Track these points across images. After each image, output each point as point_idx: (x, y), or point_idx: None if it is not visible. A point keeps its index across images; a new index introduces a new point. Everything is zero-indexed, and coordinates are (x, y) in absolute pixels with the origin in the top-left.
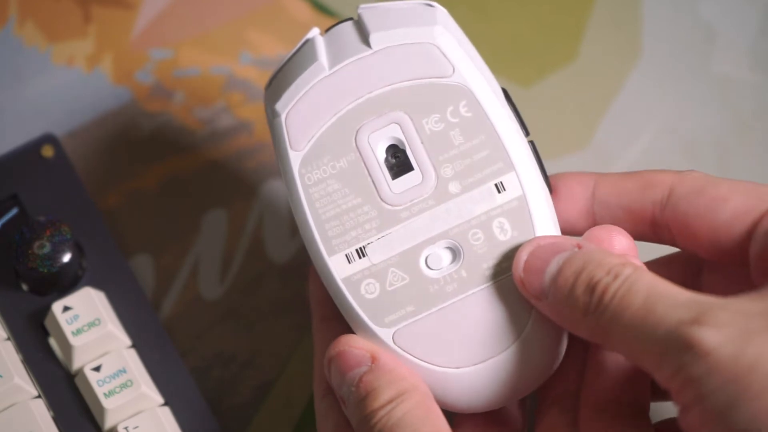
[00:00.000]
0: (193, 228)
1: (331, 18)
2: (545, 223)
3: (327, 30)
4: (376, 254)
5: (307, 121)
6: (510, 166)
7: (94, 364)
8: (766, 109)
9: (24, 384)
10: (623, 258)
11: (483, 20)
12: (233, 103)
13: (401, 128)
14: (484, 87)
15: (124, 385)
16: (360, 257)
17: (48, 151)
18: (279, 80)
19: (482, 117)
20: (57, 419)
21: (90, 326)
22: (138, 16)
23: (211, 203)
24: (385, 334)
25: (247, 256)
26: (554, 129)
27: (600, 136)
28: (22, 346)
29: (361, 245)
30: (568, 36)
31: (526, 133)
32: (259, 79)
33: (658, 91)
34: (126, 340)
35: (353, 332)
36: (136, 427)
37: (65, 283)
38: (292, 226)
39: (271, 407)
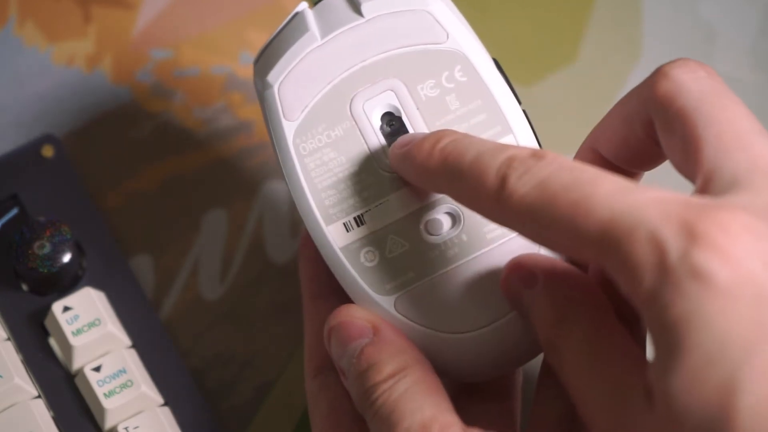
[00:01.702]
0: (193, 228)
1: None
2: None
3: (315, 3)
4: (374, 221)
5: (300, 90)
6: (508, 129)
7: (94, 364)
8: (766, 109)
9: (24, 384)
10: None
11: (483, 20)
12: (233, 103)
13: (396, 95)
14: (480, 52)
15: (124, 385)
16: (358, 225)
17: (48, 151)
18: (269, 53)
19: (478, 81)
20: (57, 419)
21: (90, 326)
22: (138, 16)
23: (211, 203)
24: (386, 301)
25: (247, 256)
26: (554, 129)
27: None
28: (22, 346)
29: (359, 213)
30: (568, 36)
31: (519, 102)
32: None
33: None
34: (126, 340)
35: (343, 305)
36: (136, 427)
37: (65, 283)
38: (292, 226)
39: (271, 407)
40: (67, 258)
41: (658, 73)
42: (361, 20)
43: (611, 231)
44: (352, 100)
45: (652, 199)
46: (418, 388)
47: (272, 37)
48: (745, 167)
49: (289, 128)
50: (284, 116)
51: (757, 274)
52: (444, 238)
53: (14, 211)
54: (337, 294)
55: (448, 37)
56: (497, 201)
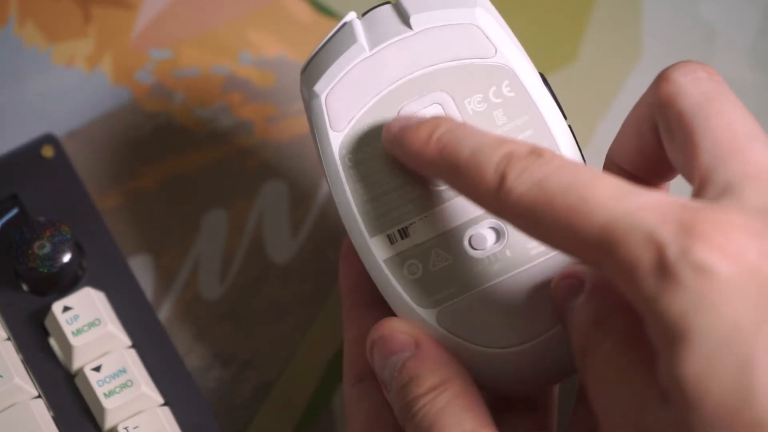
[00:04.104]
0: (193, 228)
1: (331, 18)
2: None
3: (364, 14)
4: (418, 234)
5: (347, 101)
6: (554, 146)
7: (94, 364)
8: (766, 109)
9: (24, 384)
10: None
11: None
12: (233, 103)
13: (443, 108)
14: (527, 68)
15: (124, 385)
16: (402, 238)
17: (48, 151)
18: (316, 63)
19: (526, 97)
20: (57, 419)
21: (90, 326)
22: (138, 16)
23: (211, 203)
24: (428, 314)
25: (247, 256)
26: None
27: (600, 136)
28: (22, 346)
29: (403, 225)
30: (568, 36)
31: (564, 117)
32: (259, 79)
33: None
34: (126, 340)
35: (385, 318)
36: (136, 427)
37: (65, 283)
38: (292, 226)
39: (271, 407)
40: (67, 258)
41: (660, 77)
42: (410, 33)
43: (608, 235)
44: (399, 112)
45: (648, 203)
46: (459, 402)
47: (320, 46)
48: (737, 174)
49: (335, 139)
50: (331, 127)
51: (758, 266)
52: (487, 253)
53: (14, 211)
54: (378, 303)
55: (496, 52)
56: (495, 198)
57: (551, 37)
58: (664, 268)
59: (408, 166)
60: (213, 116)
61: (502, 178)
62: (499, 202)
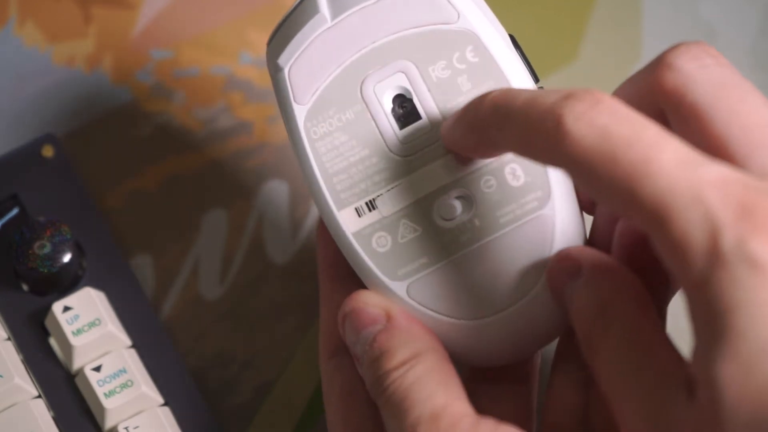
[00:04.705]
0: (193, 228)
1: None
2: None
3: None
4: (386, 206)
5: (310, 74)
6: None
7: (95, 364)
8: None
9: (24, 384)
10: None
11: None
12: (233, 103)
13: (407, 77)
14: (491, 32)
15: (124, 385)
16: (370, 210)
17: (48, 151)
18: (280, 35)
19: (490, 62)
20: (57, 419)
21: (90, 326)
22: (138, 16)
23: (211, 203)
24: (398, 287)
25: (247, 256)
26: None
27: None
28: (22, 346)
29: (370, 198)
30: (568, 36)
31: (536, 80)
32: (259, 79)
33: None
34: (126, 340)
35: (356, 291)
36: (136, 427)
37: (65, 283)
38: (292, 226)
39: (271, 407)
40: (67, 258)
41: (661, 64)
42: (371, 1)
43: (665, 205)
44: (362, 82)
45: (713, 177)
46: (431, 376)
47: (284, 18)
48: None
49: (300, 112)
50: (295, 100)
51: None
52: (456, 223)
53: (14, 211)
54: (354, 277)
55: (459, 17)
56: (550, 141)
57: (551, 36)
58: (716, 254)
59: (463, 152)
60: (213, 116)
61: (559, 118)
62: (555, 145)
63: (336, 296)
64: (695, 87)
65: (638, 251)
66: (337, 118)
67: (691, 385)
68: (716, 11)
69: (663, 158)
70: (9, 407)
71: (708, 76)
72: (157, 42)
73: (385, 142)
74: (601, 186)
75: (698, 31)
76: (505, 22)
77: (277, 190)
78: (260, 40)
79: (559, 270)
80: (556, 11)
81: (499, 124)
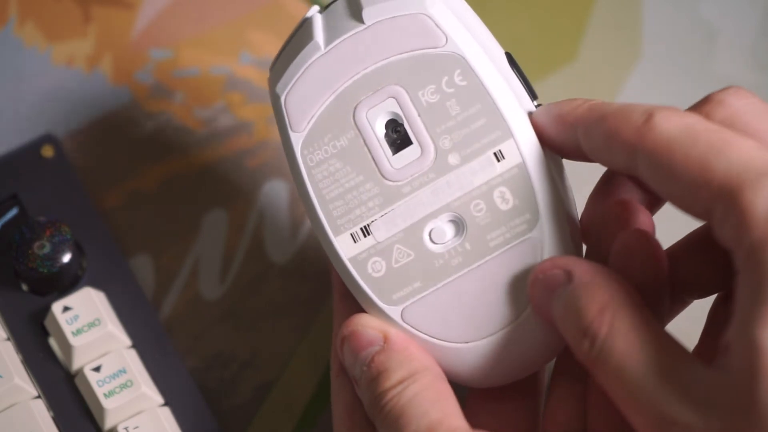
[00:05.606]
0: (193, 228)
1: None
2: (546, 189)
3: (326, 7)
4: (380, 232)
5: (305, 101)
6: (508, 134)
7: (94, 365)
8: None
9: (24, 384)
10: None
11: (483, 20)
12: (233, 103)
13: (398, 102)
14: (479, 54)
15: (124, 386)
16: (365, 236)
17: (48, 151)
18: (280, 62)
19: (477, 85)
20: (57, 419)
21: (90, 326)
22: (138, 16)
23: (211, 203)
24: (393, 311)
25: (247, 256)
26: None
27: None
28: (22, 346)
29: (365, 224)
30: (568, 36)
31: (534, 97)
32: (259, 79)
33: (658, 91)
34: (126, 340)
35: (355, 314)
36: (136, 428)
37: (65, 283)
38: (292, 226)
39: (271, 407)
40: (67, 258)
41: (710, 101)
42: (362, 27)
43: (739, 175)
44: (355, 109)
45: None
46: (426, 394)
47: (284, 44)
48: None
49: (296, 140)
50: (291, 128)
51: None
52: (448, 247)
53: (14, 211)
54: None
55: (447, 41)
56: (637, 132)
57: (551, 37)
58: None
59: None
60: (213, 116)
61: (650, 116)
62: (640, 134)
63: (346, 312)
64: (742, 116)
65: (633, 270)
66: (331, 145)
67: (725, 352)
68: (716, 11)
69: (741, 142)
70: (9, 407)
71: (754, 107)
72: (156, 42)
73: (377, 168)
74: (674, 168)
75: (698, 31)
76: (504, 24)
77: (277, 190)
78: (260, 40)
79: (541, 280)
80: (556, 12)
81: (586, 126)
